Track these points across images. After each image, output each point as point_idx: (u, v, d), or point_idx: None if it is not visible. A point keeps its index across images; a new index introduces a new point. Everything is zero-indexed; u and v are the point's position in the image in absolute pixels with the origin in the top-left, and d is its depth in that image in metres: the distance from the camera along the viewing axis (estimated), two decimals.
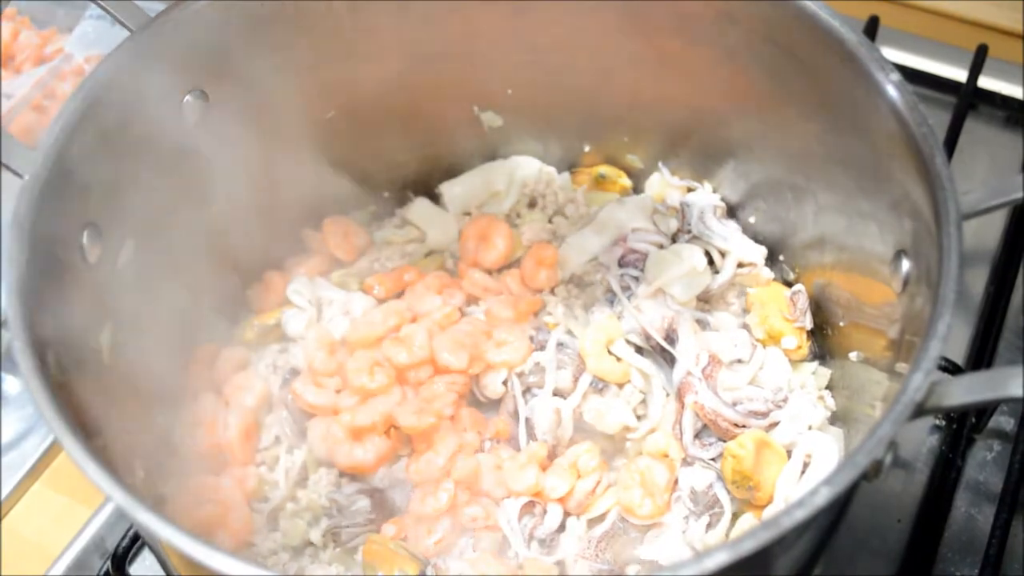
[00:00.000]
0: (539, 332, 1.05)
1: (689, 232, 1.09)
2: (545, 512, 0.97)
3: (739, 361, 1.02)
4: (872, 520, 1.04)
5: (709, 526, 0.95)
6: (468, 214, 1.17)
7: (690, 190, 1.16)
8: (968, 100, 1.33)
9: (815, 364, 1.06)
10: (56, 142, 0.84)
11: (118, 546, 1.02)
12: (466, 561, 0.95)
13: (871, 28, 1.38)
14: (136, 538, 1.02)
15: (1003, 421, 1.11)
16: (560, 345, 1.04)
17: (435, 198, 1.20)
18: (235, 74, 0.98)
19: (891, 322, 0.90)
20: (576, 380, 1.02)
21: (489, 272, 1.12)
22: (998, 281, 1.19)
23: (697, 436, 0.99)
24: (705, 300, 1.07)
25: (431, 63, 1.09)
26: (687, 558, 0.77)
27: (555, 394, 1.01)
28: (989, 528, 1.01)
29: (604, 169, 1.20)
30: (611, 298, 1.08)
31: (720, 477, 0.97)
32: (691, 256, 1.06)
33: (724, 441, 0.98)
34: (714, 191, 1.15)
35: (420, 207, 1.18)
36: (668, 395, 1.02)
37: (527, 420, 1.01)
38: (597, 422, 1.01)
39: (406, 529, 0.96)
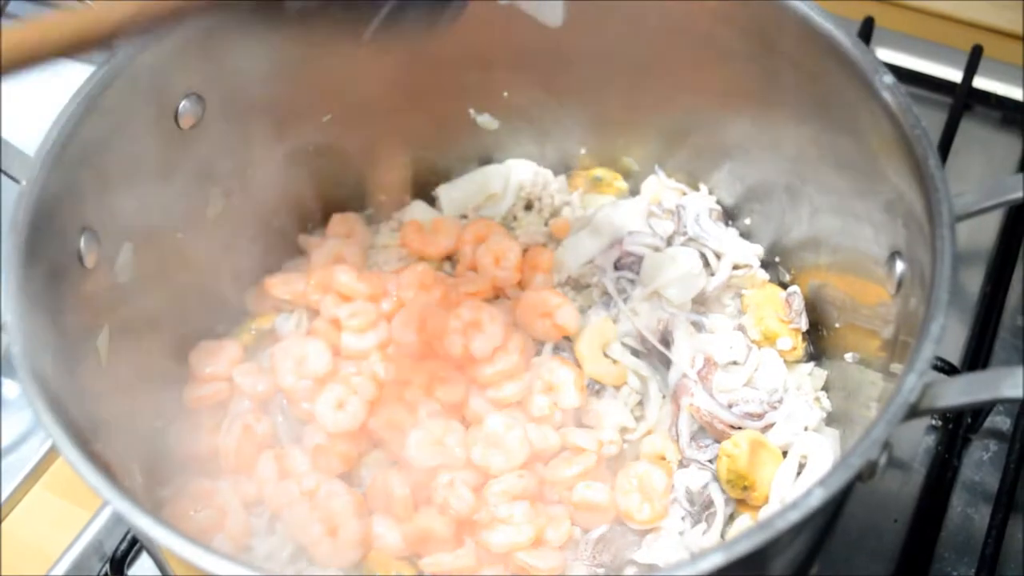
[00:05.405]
0: None
1: (685, 234, 1.09)
2: None
3: (734, 363, 1.02)
4: (868, 520, 1.04)
5: (706, 531, 0.95)
6: (464, 217, 1.18)
7: (685, 193, 1.16)
8: (963, 100, 1.33)
9: (811, 365, 1.06)
10: (53, 147, 0.84)
11: (116, 549, 1.03)
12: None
13: (866, 29, 1.38)
14: (134, 541, 1.03)
15: (999, 421, 1.11)
16: (556, 348, 1.05)
17: (431, 201, 1.20)
18: (231, 78, 0.98)
19: (886, 323, 0.91)
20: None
21: None
22: (994, 281, 1.19)
23: (693, 438, 1.00)
24: (701, 302, 1.08)
25: (427, 66, 1.09)
26: (683, 559, 0.77)
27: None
28: (985, 528, 1.01)
29: (600, 172, 1.20)
30: (607, 301, 1.08)
31: (716, 478, 0.97)
32: (686, 259, 1.06)
33: (720, 443, 0.98)
34: (710, 193, 1.15)
35: (416, 210, 1.19)
36: (664, 397, 1.03)
37: None
38: (596, 424, 1.01)
39: None
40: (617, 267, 1.08)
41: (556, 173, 1.21)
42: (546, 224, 1.17)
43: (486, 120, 1.17)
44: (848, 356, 1.00)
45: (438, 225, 1.14)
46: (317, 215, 1.16)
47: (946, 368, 1.08)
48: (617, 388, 1.04)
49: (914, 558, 1.01)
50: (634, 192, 1.20)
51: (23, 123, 1.27)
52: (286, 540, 0.96)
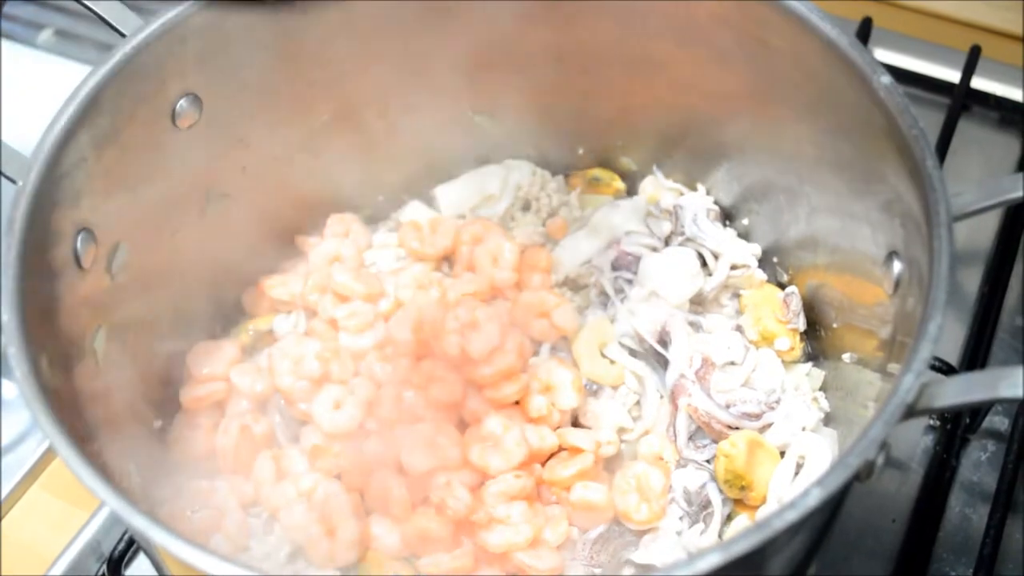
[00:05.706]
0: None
1: (682, 235, 1.09)
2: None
3: (732, 363, 1.02)
4: (866, 520, 1.04)
5: (704, 531, 0.95)
6: (462, 217, 1.18)
7: (682, 193, 1.16)
8: (961, 101, 1.33)
9: (808, 365, 1.06)
10: (50, 148, 0.84)
11: (114, 550, 1.03)
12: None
13: (864, 29, 1.38)
14: (132, 542, 1.03)
15: (997, 421, 1.11)
16: (554, 349, 1.05)
17: (429, 201, 1.20)
18: (229, 79, 0.98)
19: (883, 323, 0.91)
20: None
21: None
22: (992, 281, 1.20)
23: (691, 438, 1.00)
24: (698, 303, 1.08)
25: (426, 67, 1.09)
26: (680, 559, 0.77)
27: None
28: (983, 528, 1.01)
29: (598, 172, 1.20)
30: (605, 301, 1.08)
31: (713, 478, 0.97)
32: (684, 259, 1.06)
33: (718, 443, 0.98)
34: (708, 193, 1.15)
35: (414, 210, 1.19)
36: (662, 397, 1.03)
37: None
38: (594, 424, 1.01)
39: None
40: (615, 267, 1.08)
41: (554, 173, 1.21)
42: (544, 224, 1.17)
43: (484, 120, 1.17)
44: (846, 356, 1.00)
45: (436, 225, 1.14)
46: (315, 215, 1.16)
47: (944, 368, 1.08)
48: (615, 388, 1.04)
49: (912, 558, 1.01)
50: (632, 192, 1.20)
51: (19, 123, 1.27)
52: (284, 540, 0.96)
